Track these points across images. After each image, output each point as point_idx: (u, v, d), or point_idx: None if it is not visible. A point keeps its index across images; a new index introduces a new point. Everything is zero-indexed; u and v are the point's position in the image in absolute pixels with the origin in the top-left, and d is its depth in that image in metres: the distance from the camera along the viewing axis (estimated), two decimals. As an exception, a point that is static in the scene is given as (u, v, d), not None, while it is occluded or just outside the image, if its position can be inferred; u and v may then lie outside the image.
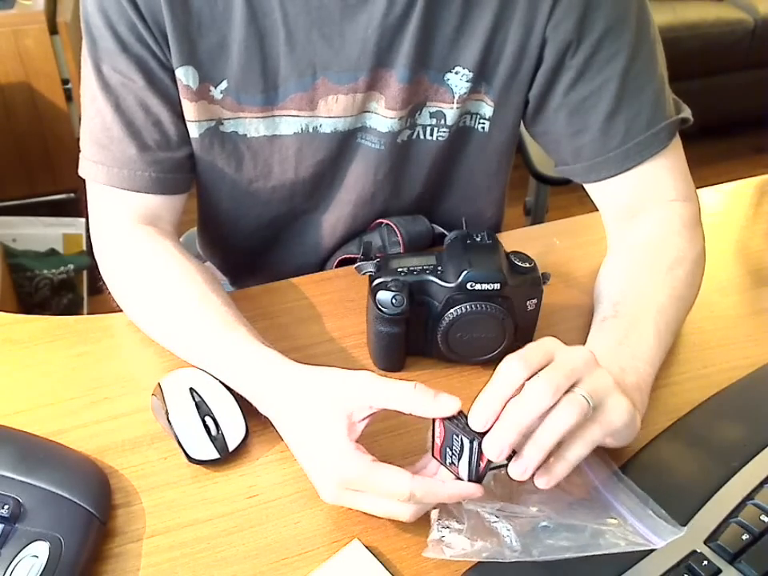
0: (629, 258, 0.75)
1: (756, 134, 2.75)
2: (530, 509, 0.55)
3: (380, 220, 0.84)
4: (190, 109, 0.73)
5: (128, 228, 0.74)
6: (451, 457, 0.53)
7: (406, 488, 0.52)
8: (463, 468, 0.53)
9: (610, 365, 0.57)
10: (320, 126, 0.76)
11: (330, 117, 0.75)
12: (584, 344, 0.66)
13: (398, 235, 0.82)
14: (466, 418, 0.52)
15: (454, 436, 0.52)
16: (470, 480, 0.53)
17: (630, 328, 0.65)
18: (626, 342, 0.63)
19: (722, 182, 1.00)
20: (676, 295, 0.70)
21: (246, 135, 0.76)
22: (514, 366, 0.51)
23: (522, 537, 0.53)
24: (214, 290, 0.69)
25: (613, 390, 0.53)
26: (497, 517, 0.54)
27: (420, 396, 0.53)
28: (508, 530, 0.54)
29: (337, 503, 0.56)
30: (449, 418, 0.53)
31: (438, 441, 0.54)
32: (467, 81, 0.74)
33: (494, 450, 0.50)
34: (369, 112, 0.76)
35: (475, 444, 0.51)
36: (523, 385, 0.51)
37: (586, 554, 0.52)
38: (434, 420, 0.54)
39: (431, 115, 0.77)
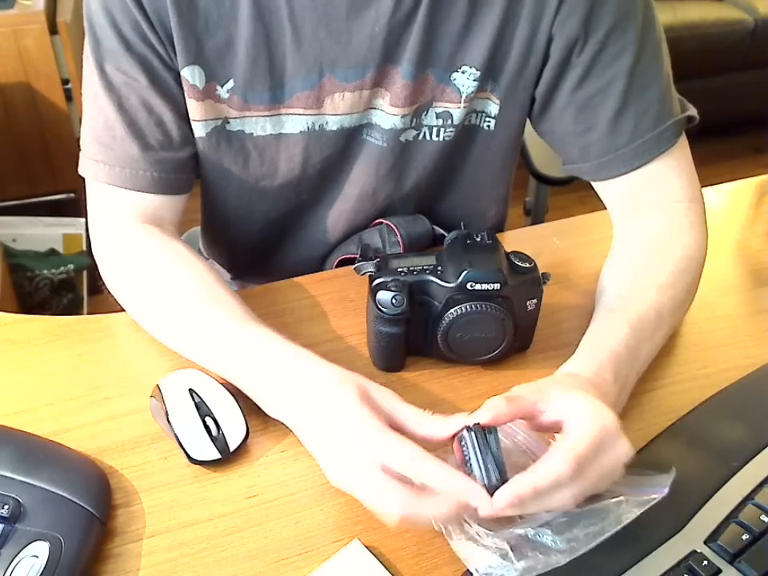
0: (638, 253, 0.74)
1: (756, 134, 2.75)
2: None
3: (380, 220, 0.85)
4: (195, 108, 0.73)
5: (130, 227, 0.74)
6: (477, 461, 0.52)
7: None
8: (490, 464, 0.52)
9: (618, 371, 0.60)
10: (326, 123, 0.76)
11: (337, 114, 0.75)
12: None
13: (398, 235, 0.82)
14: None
15: (465, 433, 0.53)
16: (496, 479, 0.51)
17: (636, 331, 0.64)
18: (630, 347, 0.63)
19: (722, 182, 1.00)
20: (679, 298, 0.70)
21: (252, 134, 0.76)
22: (567, 474, 0.50)
23: (561, 536, 0.53)
24: (225, 288, 0.69)
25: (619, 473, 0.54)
26: (533, 529, 0.54)
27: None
28: (549, 535, 0.53)
29: (374, 486, 0.52)
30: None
31: (457, 455, 0.54)
32: (474, 80, 0.74)
33: (502, 501, 0.50)
34: (374, 108, 0.76)
35: (492, 437, 0.52)
36: None
37: (616, 530, 0.52)
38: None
39: (437, 116, 0.77)
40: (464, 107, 0.76)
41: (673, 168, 0.76)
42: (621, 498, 0.54)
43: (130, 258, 0.73)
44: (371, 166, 0.79)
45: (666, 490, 0.54)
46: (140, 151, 0.72)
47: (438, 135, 0.78)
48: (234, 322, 0.65)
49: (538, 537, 0.53)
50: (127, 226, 0.74)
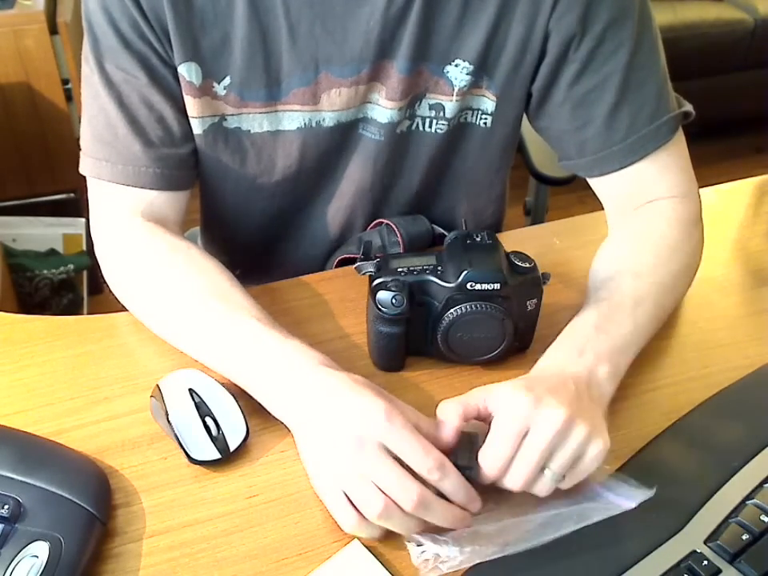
0: (618, 248, 0.76)
1: (756, 134, 2.75)
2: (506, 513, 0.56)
3: (380, 220, 0.85)
4: (192, 105, 0.73)
5: (133, 225, 0.74)
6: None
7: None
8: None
9: (584, 346, 0.62)
10: (323, 120, 0.76)
11: (333, 110, 0.75)
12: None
13: (398, 235, 0.82)
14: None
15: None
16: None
17: (605, 313, 0.66)
18: (599, 326, 0.64)
19: (722, 182, 1.00)
20: (665, 284, 0.71)
21: (249, 131, 0.76)
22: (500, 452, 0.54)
23: (507, 530, 0.54)
24: (236, 287, 0.69)
25: (585, 444, 0.55)
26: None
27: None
28: (492, 524, 0.55)
29: (375, 470, 0.54)
30: None
31: None
32: (467, 74, 0.74)
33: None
34: (370, 103, 0.76)
35: None
36: None
37: (568, 531, 0.54)
38: None
39: (430, 107, 0.77)
40: (456, 101, 0.76)
41: (668, 164, 0.77)
42: (586, 506, 0.56)
43: (134, 256, 0.73)
44: (368, 160, 0.80)
45: (634, 505, 0.55)
46: (142, 148, 0.72)
47: (430, 126, 0.78)
48: (246, 325, 0.65)
49: (479, 528, 0.55)
50: (130, 224, 0.74)
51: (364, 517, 0.54)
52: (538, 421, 0.54)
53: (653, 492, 0.56)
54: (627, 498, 0.56)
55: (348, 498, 0.54)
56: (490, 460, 0.55)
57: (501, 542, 0.54)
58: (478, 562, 0.53)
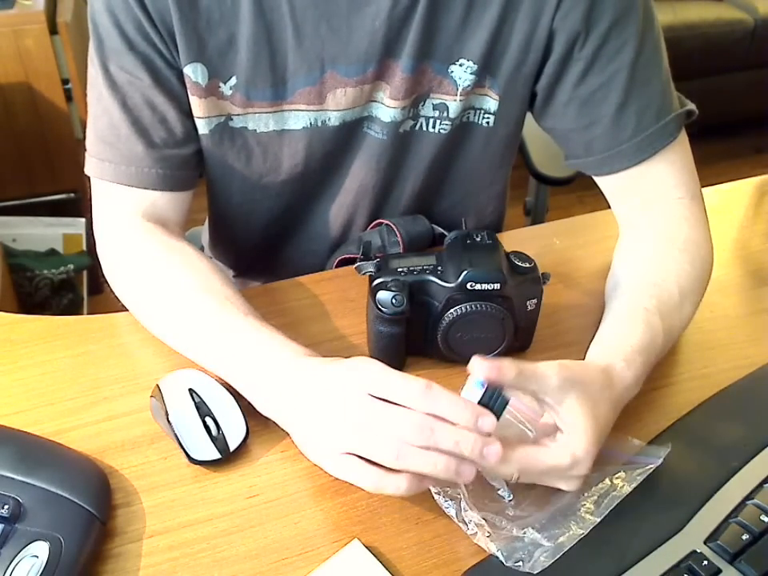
0: (655, 248, 0.74)
1: (756, 134, 2.75)
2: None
3: (380, 220, 0.85)
4: (198, 105, 0.73)
5: (134, 226, 0.74)
6: None
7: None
8: None
9: (639, 374, 0.62)
10: (328, 119, 0.76)
11: (338, 110, 0.75)
12: (587, 342, 0.65)
13: (398, 235, 0.82)
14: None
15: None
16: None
17: (667, 340, 0.66)
18: (658, 355, 0.65)
19: (722, 182, 1.00)
20: (697, 303, 0.72)
21: (255, 130, 0.76)
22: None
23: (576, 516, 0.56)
24: (230, 288, 0.69)
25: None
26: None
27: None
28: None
29: (371, 415, 0.54)
30: None
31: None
32: (471, 73, 0.74)
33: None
34: (375, 102, 0.76)
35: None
36: None
37: (618, 501, 0.56)
38: None
39: (434, 107, 0.77)
40: (460, 100, 0.76)
41: (674, 163, 0.77)
42: (618, 474, 0.57)
43: (133, 258, 0.73)
44: (371, 159, 0.80)
45: (660, 461, 0.57)
46: (145, 149, 0.73)
47: (434, 127, 0.78)
48: (237, 322, 0.65)
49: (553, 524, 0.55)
50: (131, 225, 0.74)
51: (384, 469, 0.53)
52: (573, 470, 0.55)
53: (669, 447, 0.59)
54: (652, 457, 0.58)
55: (360, 458, 0.54)
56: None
57: (548, 536, 0.54)
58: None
